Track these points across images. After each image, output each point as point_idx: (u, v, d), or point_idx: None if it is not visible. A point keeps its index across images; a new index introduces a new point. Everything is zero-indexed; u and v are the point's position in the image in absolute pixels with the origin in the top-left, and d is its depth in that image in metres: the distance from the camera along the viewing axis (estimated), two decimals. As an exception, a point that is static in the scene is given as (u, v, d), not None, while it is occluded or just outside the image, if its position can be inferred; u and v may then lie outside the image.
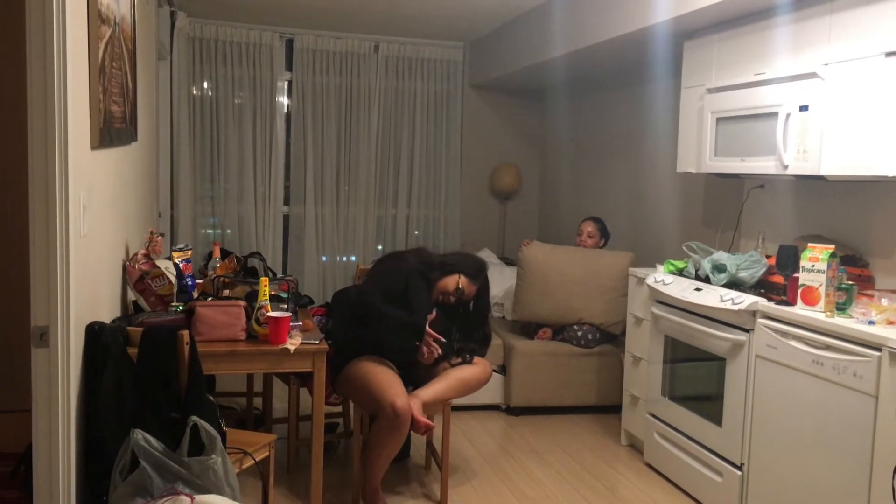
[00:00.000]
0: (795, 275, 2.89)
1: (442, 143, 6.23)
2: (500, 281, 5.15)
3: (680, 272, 3.63)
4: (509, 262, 5.67)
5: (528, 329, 4.68)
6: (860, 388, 2.50)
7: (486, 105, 6.39)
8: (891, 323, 2.54)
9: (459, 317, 3.46)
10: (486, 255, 5.81)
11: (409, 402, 3.05)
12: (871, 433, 2.47)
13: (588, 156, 5.79)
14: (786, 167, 3.12)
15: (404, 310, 3.21)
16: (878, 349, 2.44)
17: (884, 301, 2.63)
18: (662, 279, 3.62)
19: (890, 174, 2.68)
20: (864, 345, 2.50)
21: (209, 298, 3.03)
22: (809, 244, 2.85)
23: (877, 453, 2.45)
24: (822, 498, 2.67)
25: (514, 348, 4.47)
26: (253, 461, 2.57)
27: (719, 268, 3.36)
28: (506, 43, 5.44)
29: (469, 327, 3.46)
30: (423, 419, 3.08)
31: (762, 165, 3.26)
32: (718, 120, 3.55)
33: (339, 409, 3.87)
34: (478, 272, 3.45)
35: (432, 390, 3.21)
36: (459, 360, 3.37)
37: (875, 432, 2.45)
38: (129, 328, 2.51)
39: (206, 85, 5.68)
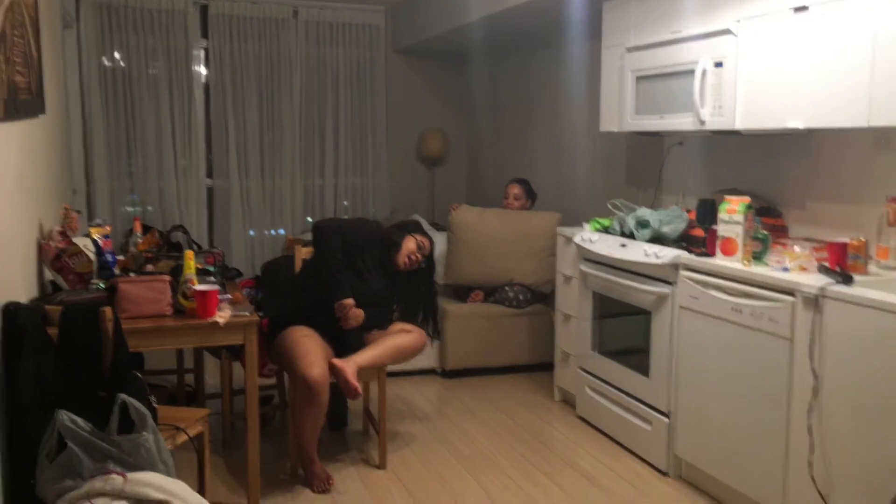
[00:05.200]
0: (714, 227, 2.99)
1: (367, 110, 6.15)
2: (431, 246, 5.16)
3: (606, 230, 3.71)
4: (439, 227, 5.68)
5: (460, 292, 4.71)
6: (776, 332, 2.62)
7: (410, 70, 6.33)
8: (803, 269, 2.66)
9: (408, 286, 3.51)
10: (416, 221, 5.81)
11: (325, 372, 3.04)
12: (787, 374, 2.60)
13: (512, 118, 5.82)
14: (703, 123, 3.20)
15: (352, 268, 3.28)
16: (792, 294, 2.56)
17: (797, 248, 2.75)
18: (589, 237, 3.69)
19: (800, 126, 2.78)
20: (779, 290, 2.61)
21: (131, 274, 2.95)
22: (726, 197, 2.95)
23: (793, 393, 2.58)
24: (746, 439, 2.80)
25: (448, 312, 4.50)
26: (186, 437, 2.53)
27: (643, 224, 3.45)
28: (426, 6, 5.38)
29: (417, 290, 3.55)
30: (355, 383, 3.07)
31: (680, 122, 3.34)
32: (638, 79, 3.61)
33: (273, 381, 3.84)
34: (417, 227, 3.53)
35: (367, 356, 3.21)
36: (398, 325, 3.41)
37: (792, 373, 2.58)
38: (47, 307, 2.42)
39: (117, 55, 5.43)
